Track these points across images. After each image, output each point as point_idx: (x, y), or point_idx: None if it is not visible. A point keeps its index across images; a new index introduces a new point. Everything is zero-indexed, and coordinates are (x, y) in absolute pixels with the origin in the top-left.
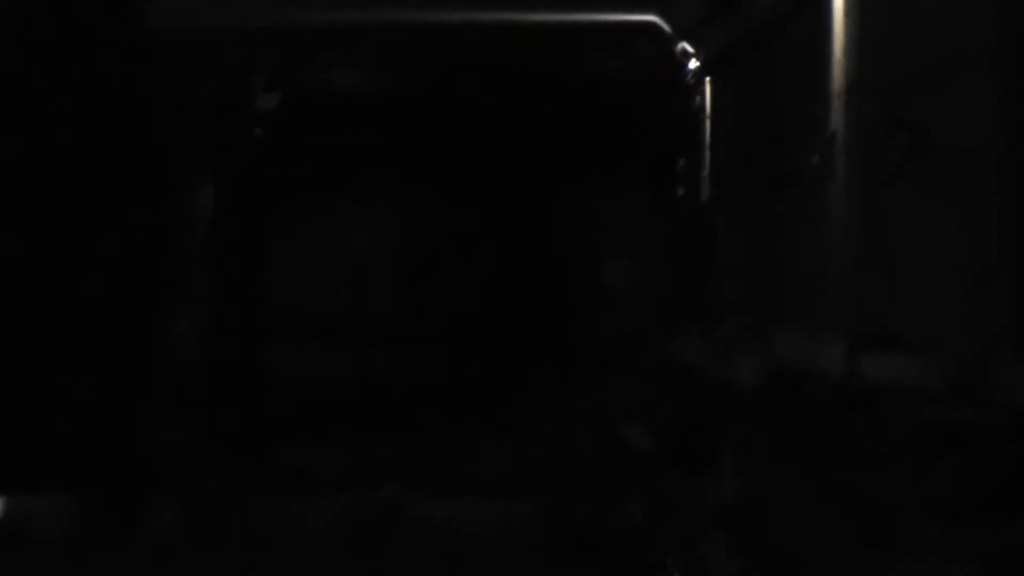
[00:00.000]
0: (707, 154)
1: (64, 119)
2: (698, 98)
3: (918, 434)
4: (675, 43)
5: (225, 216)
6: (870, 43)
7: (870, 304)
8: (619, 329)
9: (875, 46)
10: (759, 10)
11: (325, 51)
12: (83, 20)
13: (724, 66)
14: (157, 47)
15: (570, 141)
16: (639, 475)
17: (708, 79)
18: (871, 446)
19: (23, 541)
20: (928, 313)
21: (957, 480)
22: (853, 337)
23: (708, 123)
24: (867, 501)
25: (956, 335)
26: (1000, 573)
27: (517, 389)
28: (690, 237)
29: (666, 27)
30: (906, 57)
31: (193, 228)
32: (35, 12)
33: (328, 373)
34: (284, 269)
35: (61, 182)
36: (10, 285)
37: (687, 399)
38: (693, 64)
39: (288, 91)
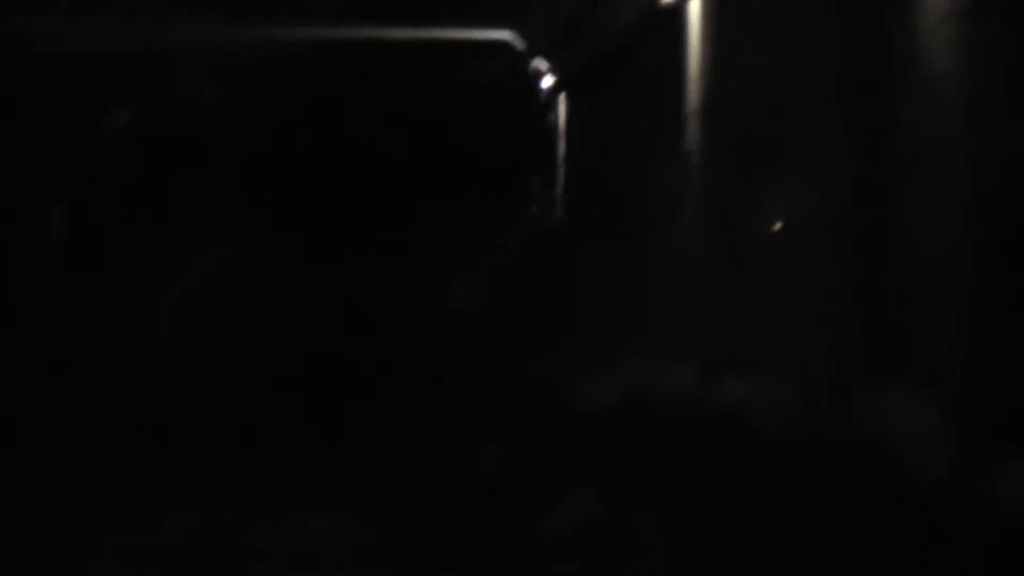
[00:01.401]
0: (561, 172)
1: None
2: (552, 115)
3: (771, 455)
4: (530, 60)
5: (76, 237)
6: (723, 65)
7: (724, 326)
8: (472, 350)
9: (728, 68)
10: (616, 28)
11: (179, 68)
12: None
13: (580, 83)
14: (9, 64)
15: (424, 156)
16: (489, 499)
17: (563, 96)
18: (723, 466)
19: None
20: (783, 335)
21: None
22: (706, 359)
23: (563, 141)
24: (719, 518)
25: (812, 356)
26: None
27: (368, 412)
28: (544, 255)
29: (521, 44)
30: (759, 79)
31: (43, 249)
32: None
33: (171, 405)
34: (137, 293)
35: None
36: None
37: (540, 420)
38: (548, 81)
39: (142, 109)
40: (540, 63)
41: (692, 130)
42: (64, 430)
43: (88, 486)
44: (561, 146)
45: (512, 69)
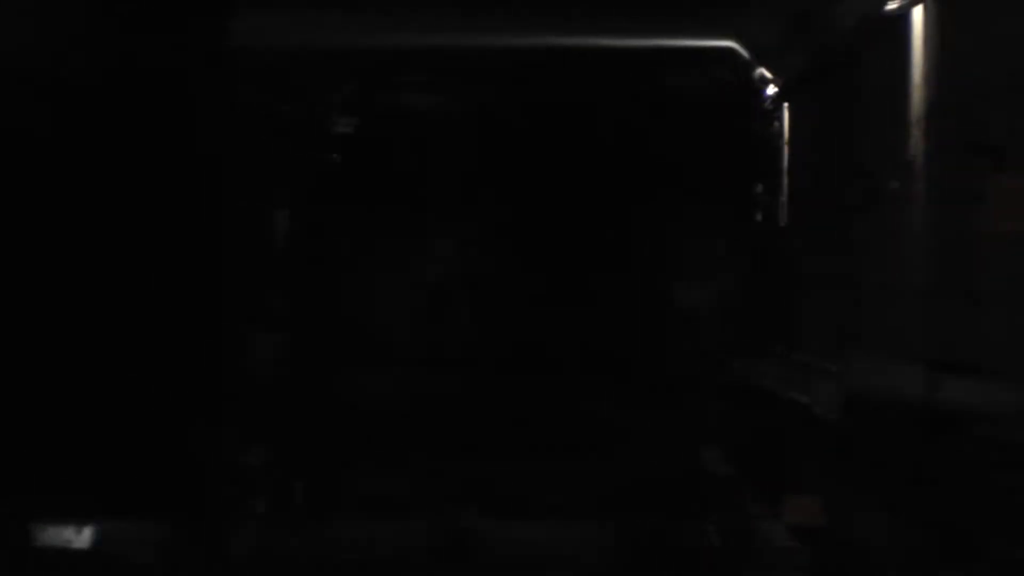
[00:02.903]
0: (785, 179)
1: (141, 138)
2: (776, 123)
3: (1000, 459)
4: (753, 68)
5: (302, 239)
6: (950, 66)
7: (949, 329)
8: (697, 353)
9: (956, 69)
10: (837, 35)
11: (404, 73)
12: (162, 36)
13: (802, 91)
14: (236, 66)
15: (646, 164)
16: (718, 498)
17: (786, 104)
18: (952, 471)
19: (114, 567)
20: (1009, 338)
21: None
22: (931, 362)
23: (786, 148)
24: (948, 524)
25: None
26: None
27: (595, 412)
28: (768, 260)
29: (744, 52)
30: (988, 78)
31: (269, 251)
32: (112, 26)
33: (403, 396)
34: (361, 292)
35: (135, 201)
36: (82, 312)
37: (765, 422)
38: (771, 89)
39: (367, 113)
40: (764, 71)
41: (917, 136)
42: (300, 423)
43: (320, 480)
44: (785, 153)
45: (736, 77)
